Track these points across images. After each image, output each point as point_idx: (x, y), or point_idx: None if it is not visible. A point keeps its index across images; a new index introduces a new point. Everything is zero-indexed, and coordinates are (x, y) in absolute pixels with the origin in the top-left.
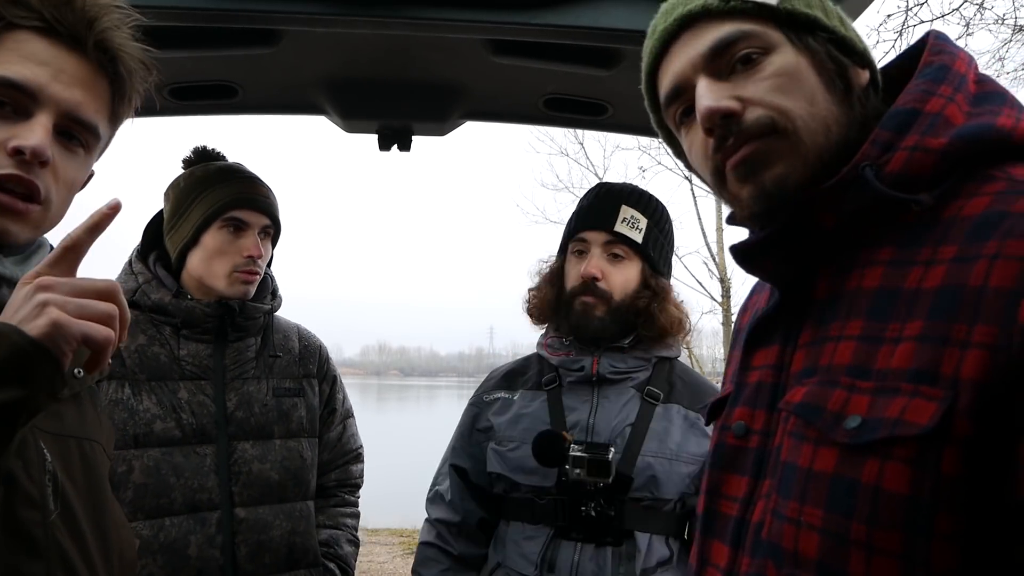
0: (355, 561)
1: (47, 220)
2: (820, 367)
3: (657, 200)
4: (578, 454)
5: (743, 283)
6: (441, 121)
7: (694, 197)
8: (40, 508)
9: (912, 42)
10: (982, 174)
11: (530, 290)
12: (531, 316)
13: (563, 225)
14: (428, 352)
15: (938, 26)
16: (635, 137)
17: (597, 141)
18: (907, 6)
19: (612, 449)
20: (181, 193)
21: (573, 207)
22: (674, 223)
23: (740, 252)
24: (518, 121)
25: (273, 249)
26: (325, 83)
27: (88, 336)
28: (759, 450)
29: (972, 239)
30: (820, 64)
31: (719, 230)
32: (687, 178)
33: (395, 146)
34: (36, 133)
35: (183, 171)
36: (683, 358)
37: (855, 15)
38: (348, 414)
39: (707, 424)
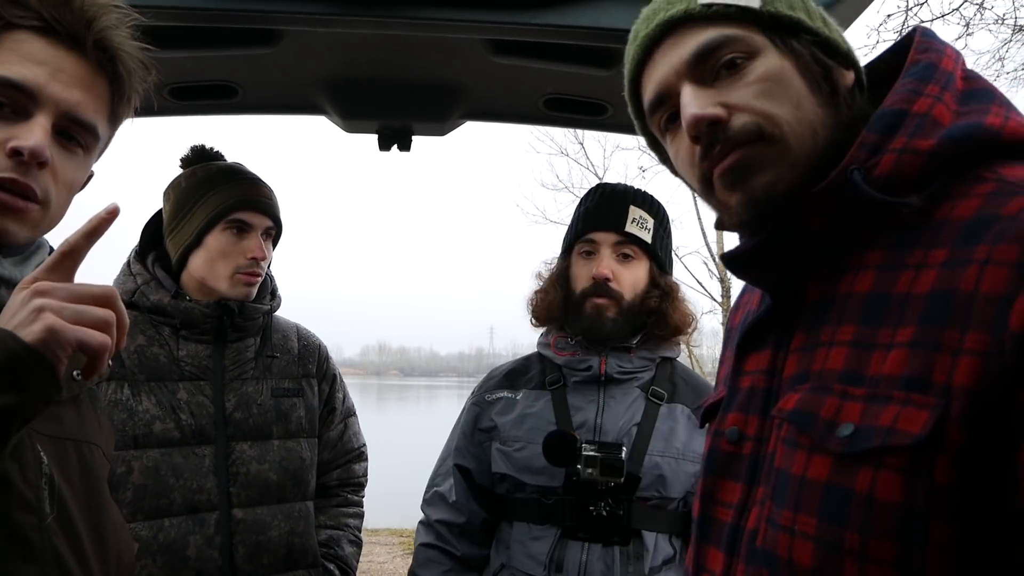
0: (356, 562)
1: (46, 220)
2: (812, 373)
3: (659, 200)
4: (591, 454)
5: (742, 283)
6: (441, 121)
7: (694, 197)
8: (36, 512)
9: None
10: (972, 174)
11: (536, 292)
12: (536, 318)
13: (563, 225)
14: (428, 352)
15: (938, 26)
16: (635, 137)
17: (597, 141)
18: (907, 6)
19: (625, 449)
20: (183, 194)
21: (573, 207)
22: (674, 223)
23: (731, 260)
24: (518, 121)
25: (273, 249)
26: (325, 83)
27: (84, 342)
28: (753, 456)
29: (962, 243)
30: (805, 67)
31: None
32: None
33: (395, 146)
34: (35, 134)
35: (182, 171)
36: (683, 358)
37: (855, 15)
38: (349, 413)
39: (701, 427)
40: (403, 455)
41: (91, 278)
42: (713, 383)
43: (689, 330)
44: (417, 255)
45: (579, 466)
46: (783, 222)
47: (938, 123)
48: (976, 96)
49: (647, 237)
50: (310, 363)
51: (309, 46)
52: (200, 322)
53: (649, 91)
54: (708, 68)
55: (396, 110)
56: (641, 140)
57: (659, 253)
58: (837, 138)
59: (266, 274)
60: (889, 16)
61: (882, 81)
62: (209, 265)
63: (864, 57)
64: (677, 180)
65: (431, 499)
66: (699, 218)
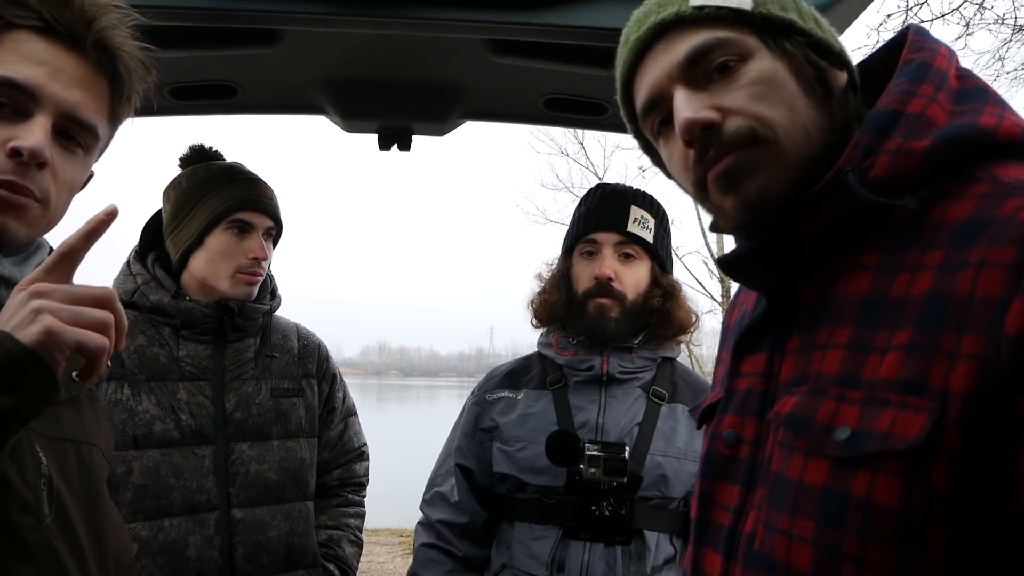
0: (357, 562)
1: (46, 220)
2: (809, 376)
3: (659, 200)
4: (594, 453)
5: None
6: (441, 121)
7: None
8: (34, 512)
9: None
10: (967, 175)
11: (538, 294)
12: (538, 319)
13: (563, 225)
14: (428, 352)
15: (938, 26)
16: None
17: (597, 141)
18: (907, 6)
19: (628, 448)
20: (184, 194)
21: (573, 207)
22: (674, 223)
23: (727, 264)
24: (518, 121)
25: (273, 249)
26: (325, 83)
27: (82, 344)
28: (750, 460)
29: (958, 245)
30: (798, 69)
31: None
32: None
33: (395, 146)
34: (35, 134)
35: (182, 170)
36: (683, 358)
37: (855, 15)
38: (350, 412)
39: (698, 428)
40: (403, 455)
41: (90, 278)
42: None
43: (692, 329)
44: (417, 255)
45: (582, 466)
46: (778, 225)
47: (932, 124)
48: (970, 95)
49: (649, 237)
50: (310, 363)
51: (309, 46)
52: (200, 322)
53: (641, 95)
54: (700, 71)
55: (396, 110)
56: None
57: (660, 253)
58: (831, 140)
59: (266, 274)
60: (889, 16)
61: (875, 79)
62: (210, 265)
63: (862, 56)
64: None
65: (432, 499)
66: (699, 218)
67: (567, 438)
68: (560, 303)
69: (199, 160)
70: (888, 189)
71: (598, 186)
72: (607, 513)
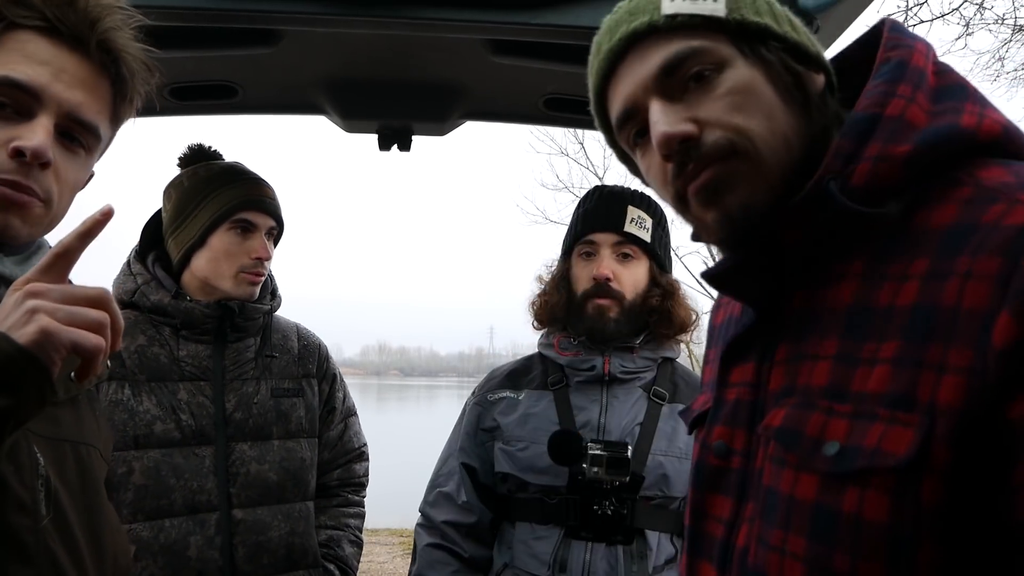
0: (357, 562)
1: (48, 219)
2: (798, 388)
3: (656, 201)
4: (597, 452)
5: None
6: (441, 121)
7: None
8: (31, 514)
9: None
10: (949, 177)
11: (538, 295)
12: (538, 321)
13: (563, 225)
14: (428, 352)
15: (938, 26)
16: None
17: (597, 141)
18: (907, 6)
19: (629, 447)
20: (186, 193)
21: (573, 207)
22: (673, 223)
23: (713, 278)
24: (518, 121)
25: (274, 249)
26: (325, 83)
27: (78, 344)
28: (741, 471)
29: (943, 254)
30: (775, 76)
31: None
32: None
33: (395, 146)
34: (38, 134)
35: (183, 170)
36: (683, 358)
37: (855, 15)
38: (350, 412)
39: (689, 433)
40: (403, 455)
41: (89, 278)
42: None
43: (692, 328)
44: (417, 255)
45: (584, 465)
46: (762, 237)
47: (912, 126)
48: (949, 93)
49: (646, 236)
50: (310, 363)
51: (309, 46)
52: (200, 322)
53: (616, 107)
54: (675, 82)
55: (396, 110)
56: None
57: (659, 252)
58: (811, 145)
59: (267, 274)
60: (889, 16)
61: (851, 71)
62: (213, 265)
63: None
64: None
65: (435, 500)
66: None
67: (569, 437)
68: (560, 304)
69: (199, 160)
70: (870, 196)
71: (596, 187)
72: (609, 512)
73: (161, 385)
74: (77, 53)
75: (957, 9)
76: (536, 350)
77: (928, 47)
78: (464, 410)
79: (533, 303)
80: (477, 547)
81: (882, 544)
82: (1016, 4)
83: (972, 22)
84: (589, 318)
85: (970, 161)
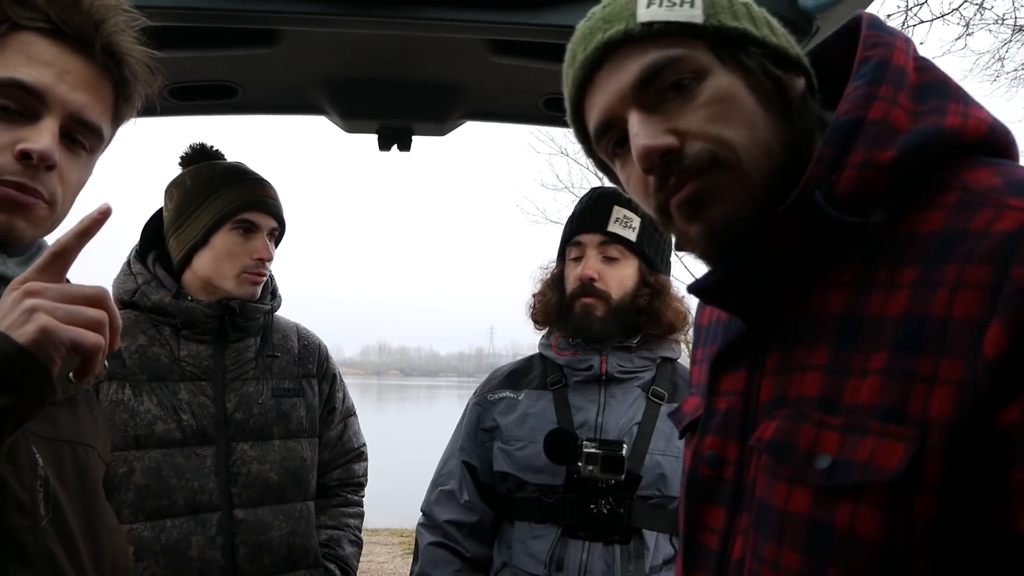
0: (357, 562)
1: (52, 220)
2: (789, 399)
3: None
4: (592, 451)
5: None
6: (441, 121)
7: None
8: (30, 514)
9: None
10: (935, 181)
11: (533, 295)
12: (535, 321)
13: (563, 225)
14: (428, 352)
15: (937, 26)
16: None
17: None
18: (907, 6)
19: (625, 446)
20: (188, 192)
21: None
22: None
23: (700, 292)
24: (518, 121)
25: (275, 249)
26: (325, 83)
27: (77, 343)
28: (734, 482)
29: (932, 262)
30: (755, 83)
31: None
32: None
33: (395, 146)
34: (44, 137)
35: (185, 169)
36: (684, 358)
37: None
38: (349, 412)
39: (680, 438)
40: (403, 455)
41: (89, 278)
42: None
43: (683, 328)
44: (417, 255)
45: (580, 463)
46: (748, 248)
47: (896, 129)
48: (932, 91)
49: (631, 236)
50: (310, 363)
51: (309, 46)
52: (201, 322)
53: (594, 118)
54: (654, 92)
55: (396, 110)
56: None
57: (647, 251)
58: (794, 152)
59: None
60: (889, 16)
61: (830, 64)
62: (215, 264)
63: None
64: None
65: (438, 499)
66: None
67: (565, 436)
68: (554, 305)
69: (200, 159)
70: (856, 203)
71: (591, 189)
72: (605, 511)
73: (162, 385)
74: (81, 55)
75: (957, 9)
76: (537, 350)
77: (908, 43)
78: (465, 410)
79: (530, 304)
80: (479, 546)
81: (875, 559)
82: (1016, 4)
83: (972, 22)
84: (576, 317)
85: (956, 162)
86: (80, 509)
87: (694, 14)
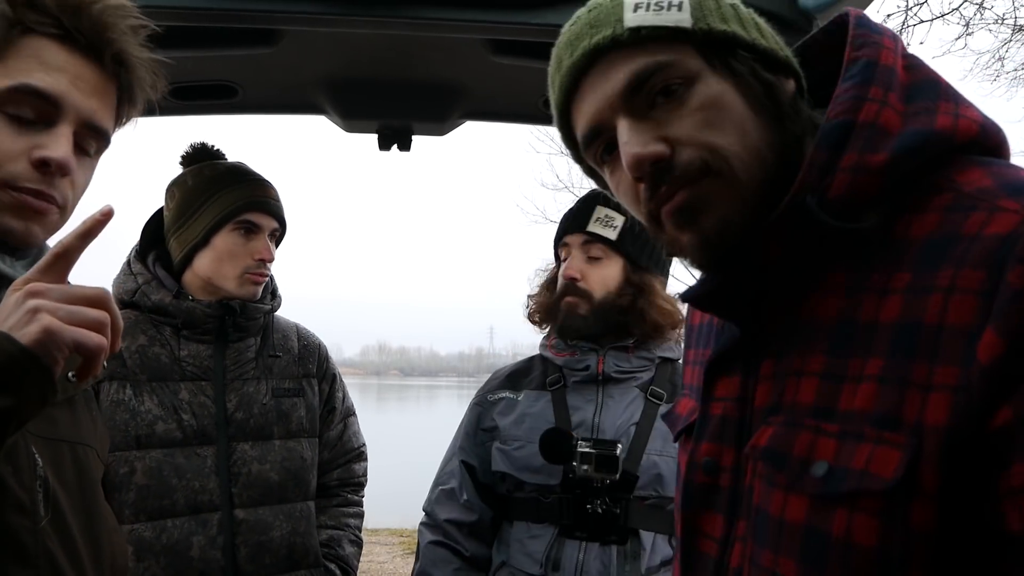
0: (357, 562)
1: (61, 224)
2: (785, 405)
3: None
4: (586, 450)
5: None
6: (441, 121)
7: None
8: (30, 514)
9: (911, 41)
10: (927, 183)
11: (529, 296)
12: (532, 321)
13: None
14: (428, 352)
15: (938, 26)
16: None
17: None
18: (907, 6)
19: (620, 445)
20: (190, 193)
21: None
22: None
23: (694, 300)
24: (518, 121)
25: (275, 249)
26: (325, 83)
27: (80, 343)
28: (731, 489)
29: (925, 266)
30: (746, 88)
31: None
32: None
33: (395, 146)
34: (61, 145)
35: (186, 169)
36: None
37: None
38: (349, 412)
39: (674, 441)
40: (403, 455)
41: (89, 278)
42: None
43: (671, 326)
44: (417, 255)
45: (575, 463)
46: (741, 255)
47: (887, 132)
48: (922, 90)
49: (612, 235)
50: (310, 363)
51: (309, 46)
52: (202, 322)
53: (581, 125)
54: (643, 97)
55: (396, 110)
56: None
57: (630, 250)
58: (785, 156)
59: None
60: (889, 16)
61: (817, 59)
62: (216, 265)
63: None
64: None
65: (438, 498)
66: None
67: (560, 436)
68: (547, 305)
69: (201, 159)
70: (849, 207)
71: (589, 191)
72: (599, 511)
73: (162, 385)
74: (91, 60)
75: (957, 9)
76: (538, 351)
77: (896, 40)
78: (467, 410)
79: (526, 304)
80: (478, 545)
81: (872, 567)
82: (1016, 4)
83: (972, 22)
84: (561, 315)
85: (947, 163)
86: (79, 509)
87: (682, 18)
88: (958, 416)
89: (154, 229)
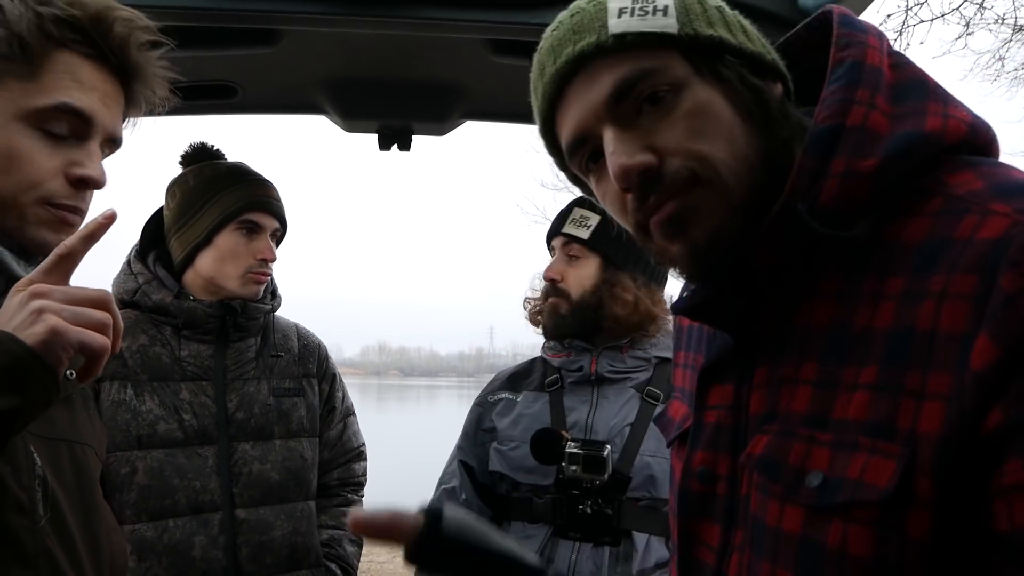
0: (358, 561)
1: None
2: (780, 414)
3: None
4: (574, 451)
5: None
6: (441, 121)
7: None
8: (29, 514)
9: (911, 41)
10: (917, 186)
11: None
12: (532, 323)
13: None
14: (428, 352)
15: (938, 26)
16: None
17: None
18: (907, 6)
19: (608, 446)
20: (192, 192)
21: None
22: None
23: (685, 312)
24: (518, 121)
25: (276, 249)
26: (325, 83)
27: (85, 344)
28: (728, 498)
29: (917, 272)
30: (734, 94)
31: None
32: None
33: (395, 146)
34: (96, 163)
35: (186, 169)
36: None
37: (855, 15)
38: (348, 412)
39: (668, 446)
40: (403, 455)
41: (88, 278)
42: None
43: (636, 321)
44: (417, 255)
45: (564, 463)
46: (731, 266)
47: (877, 135)
48: (909, 91)
49: (584, 234)
50: (310, 363)
51: (309, 46)
52: (203, 322)
53: (566, 134)
54: (629, 105)
55: (396, 110)
56: None
57: (605, 249)
58: (774, 162)
59: None
60: (889, 16)
61: (799, 55)
62: (218, 264)
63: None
64: None
65: (439, 497)
66: None
67: (550, 436)
68: (538, 307)
69: (201, 159)
70: (840, 213)
71: None
72: (590, 512)
73: (163, 385)
74: (115, 78)
75: (957, 9)
76: (539, 352)
77: (881, 39)
78: (469, 411)
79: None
80: None
81: None
82: (1016, 4)
83: (972, 22)
84: (546, 315)
85: (938, 164)
86: (78, 508)
87: (668, 23)
88: (952, 424)
89: (154, 229)
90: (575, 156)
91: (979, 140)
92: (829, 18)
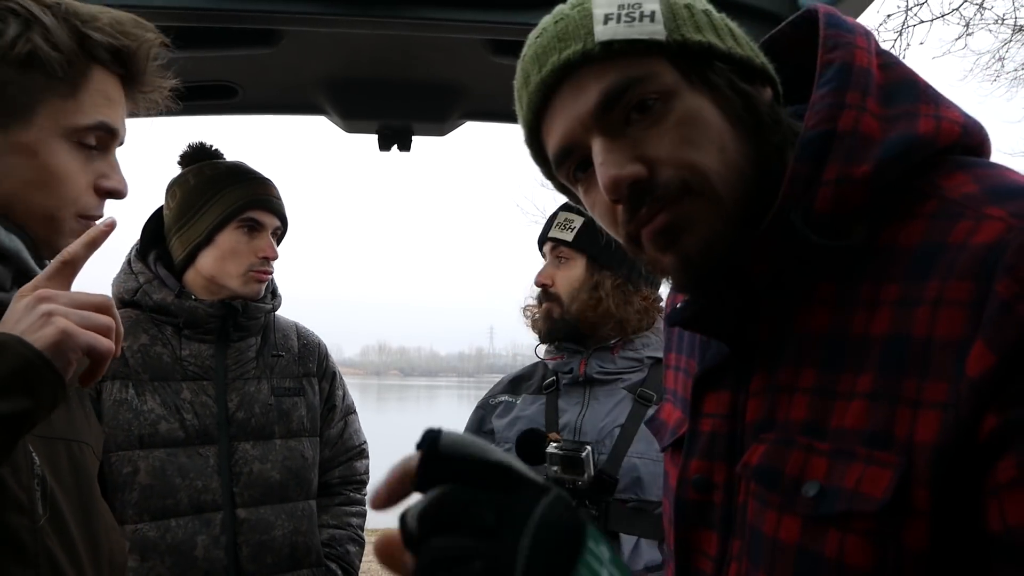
0: (359, 561)
1: None
2: (777, 422)
3: None
4: (553, 451)
5: None
6: (441, 121)
7: None
8: (29, 514)
9: (911, 41)
10: (911, 189)
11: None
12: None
13: None
14: (428, 352)
15: (938, 26)
16: None
17: None
18: (907, 6)
19: (588, 447)
20: (192, 191)
21: None
22: None
23: (680, 322)
24: (518, 121)
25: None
26: (325, 83)
27: (92, 347)
28: (725, 507)
29: (912, 278)
30: (724, 101)
31: None
32: None
33: (395, 146)
34: (121, 175)
35: (186, 168)
36: None
37: (855, 15)
38: (349, 410)
39: (662, 451)
40: (403, 455)
41: (88, 277)
42: None
43: (593, 320)
44: (417, 255)
45: (546, 464)
46: (725, 276)
47: (869, 140)
48: (900, 92)
49: (568, 237)
50: (310, 362)
51: (309, 46)
52: (204, 321)
53: (553, 144)
54: (617, 114)
55: (396, 110)
56: None
57: (590, 250)
58: (766, 168)
59: None
60: (889, 16)
61: (784, 53)
62: (220, 263)
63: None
64: None
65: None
66: None
67: (534, 437)
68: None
69: (200, 159)
70: (835, 221)
71: None
72: None
73: (164, 384)
74: (129, 92)
75: (957, 9)
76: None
77: (868, 38)
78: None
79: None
80: None
81: None
82: (1016, 4)
83: (972, 22)
84: (541, 320)
85: (931, 167)
86: (77, 507)
87: (656, 30)
88: (948, 433)
89: (154, 228)
90: (562, 166)
91: (972, 141)
92: (814, 16)
